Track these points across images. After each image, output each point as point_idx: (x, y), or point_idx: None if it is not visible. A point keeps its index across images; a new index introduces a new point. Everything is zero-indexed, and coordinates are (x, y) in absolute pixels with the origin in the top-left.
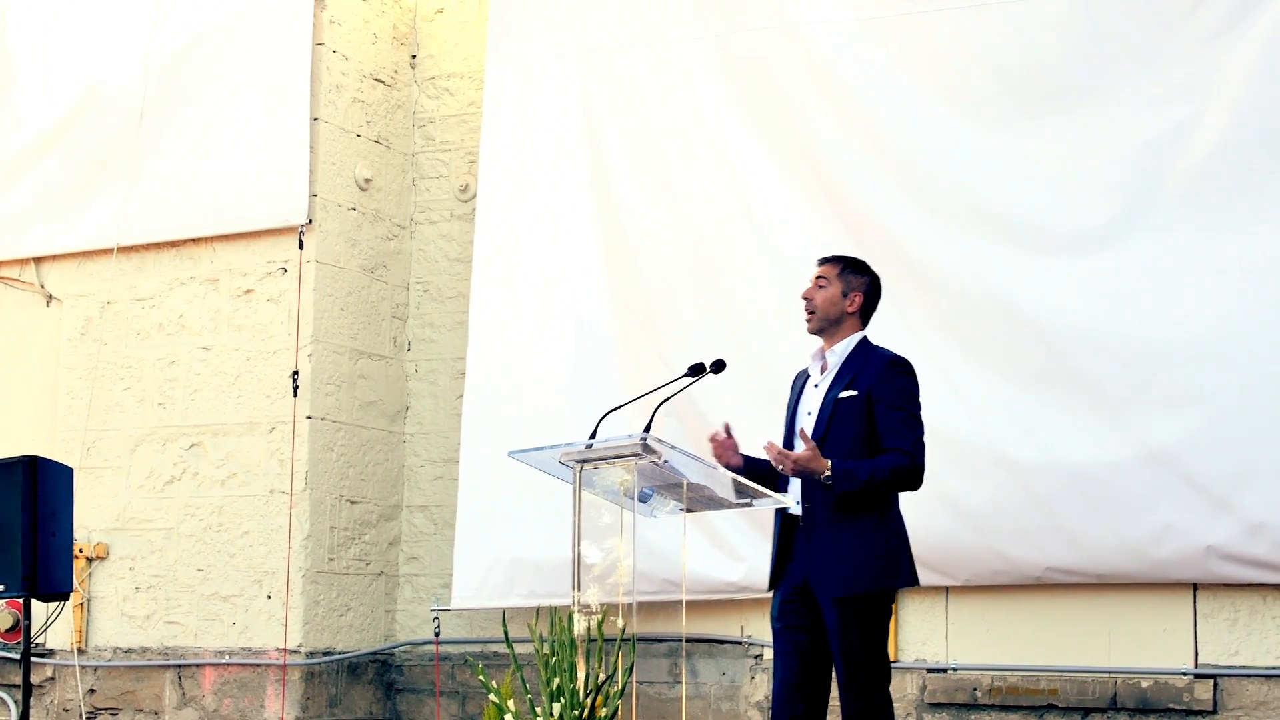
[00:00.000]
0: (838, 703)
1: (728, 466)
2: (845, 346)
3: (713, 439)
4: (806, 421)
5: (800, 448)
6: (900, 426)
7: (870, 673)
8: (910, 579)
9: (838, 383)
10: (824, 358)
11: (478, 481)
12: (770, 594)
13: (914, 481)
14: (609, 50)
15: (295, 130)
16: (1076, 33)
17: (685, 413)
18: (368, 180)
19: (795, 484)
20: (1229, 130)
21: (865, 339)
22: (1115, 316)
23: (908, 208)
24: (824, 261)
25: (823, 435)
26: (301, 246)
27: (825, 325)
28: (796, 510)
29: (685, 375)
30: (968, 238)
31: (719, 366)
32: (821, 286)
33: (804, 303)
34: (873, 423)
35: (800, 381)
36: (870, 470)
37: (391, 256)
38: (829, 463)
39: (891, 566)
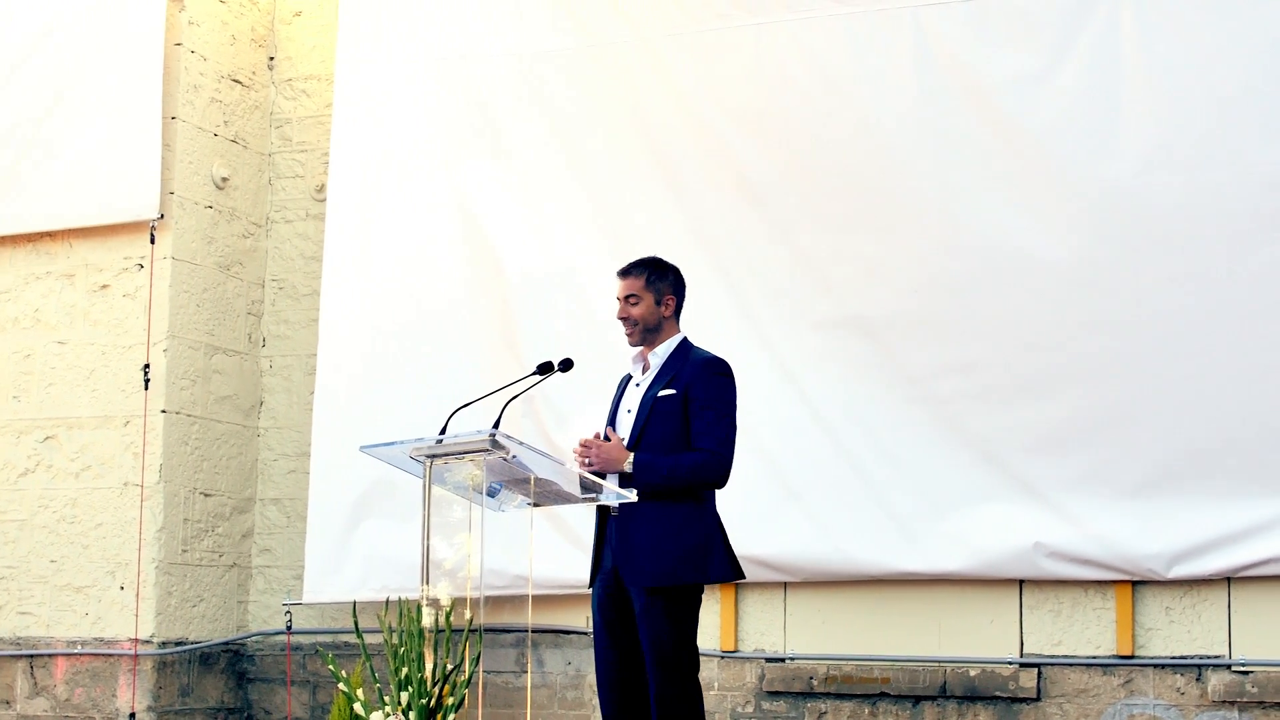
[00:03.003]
0: None
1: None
2: (666, 348)
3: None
4: (626, 419)
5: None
6: (709, 425)
7: (679, 662)
8: (721, 574)
9: (658, 382)
10: (646, 359)
11: (329, 476)
12: (590, 590)
13: (717, 479)
14: (464, 59)
15: (147, 125)
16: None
17: (542, 412)
18: (225, 179)
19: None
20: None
21: (685, 340)
22: (953, 325)
23: (751, 214)
24: (627, 275)
25: (640, 432)
26: (153, 241)
27: (646, 336)
28: (613, 503)
29: (534, 373)
30: (809, 243)
31: (566, 365)
32: (634, 304)
33: (622, 323)
34: (688, 421)
35: (623, 382)
36: (671, 465)
37: (247, 254)
38: (630, 455)
39: (702, 560)
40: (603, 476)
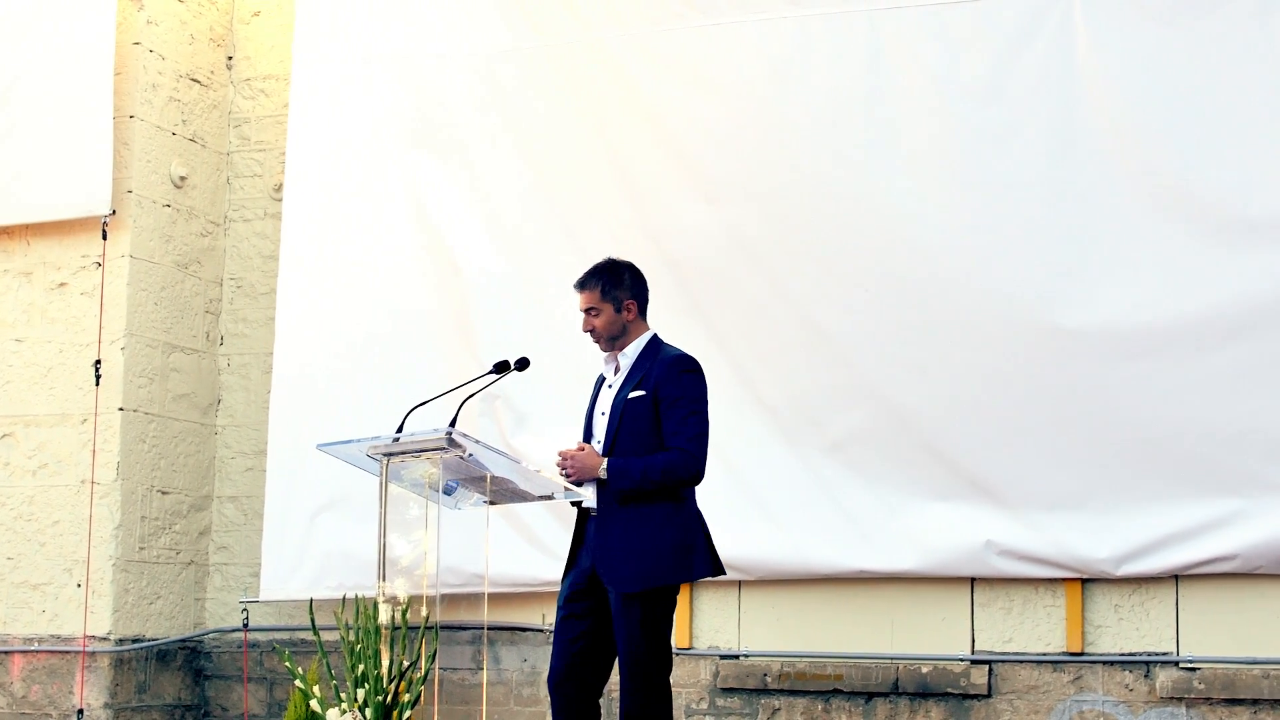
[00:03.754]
0: (616, 690)
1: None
2: (636, 347)
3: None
4: (600, 421)
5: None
6: (679, 424)
7: (652, 664)
8: (705, 570)
9: (628, 383)
10: (617, 360)
11: (286, 474)
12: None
13: (691, 476)
14: (419, 59)
15: (99, 121)
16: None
17: (500, 410)
18: (183, 178)
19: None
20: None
21: (655, 337)
22: (906, 326)
23: (706, 214)
24: (583, 288)
25: (614, 435)
26: (105, 237)
27: (613, 342)
28: (592, 503)
29: (490, 372)
30: (763, 243)
31: (523, 364)
32: (595, 316)
33: (589, 335)
34: (659, 420)
35: (598, 384)
36: (644, 467)
37: (205, 253)
38: (605, 461)
39: (683, 561)
40: (580, 484)
